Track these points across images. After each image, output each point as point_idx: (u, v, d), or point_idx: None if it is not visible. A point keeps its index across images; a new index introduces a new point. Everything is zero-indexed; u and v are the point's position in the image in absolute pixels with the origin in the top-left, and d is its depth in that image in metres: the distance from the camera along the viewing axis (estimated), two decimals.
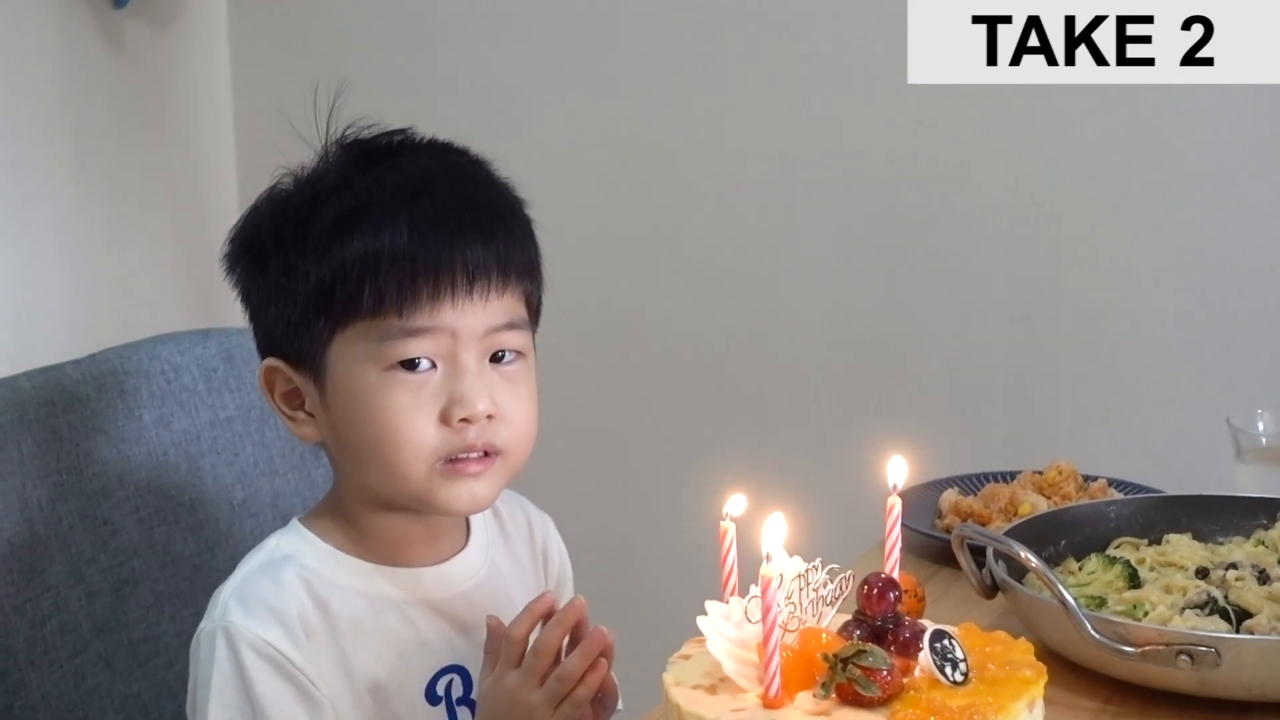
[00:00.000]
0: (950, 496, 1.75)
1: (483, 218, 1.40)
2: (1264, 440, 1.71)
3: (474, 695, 1.46)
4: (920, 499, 1.74)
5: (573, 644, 1.33)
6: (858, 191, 2.44)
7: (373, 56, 2.67)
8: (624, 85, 2.56)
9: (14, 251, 2.41)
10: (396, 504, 1.41)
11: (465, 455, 1.38)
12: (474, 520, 1.51)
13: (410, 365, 1.36)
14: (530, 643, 1.34)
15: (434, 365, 1.37)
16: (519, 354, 1.41)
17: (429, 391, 1.36)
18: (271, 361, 1.42)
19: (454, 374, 1.37)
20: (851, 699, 1.06)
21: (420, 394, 1.36)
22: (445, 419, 1.36)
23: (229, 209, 1.48)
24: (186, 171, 2.71)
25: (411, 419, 1.36)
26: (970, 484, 1.81)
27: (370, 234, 1.36)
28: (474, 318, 1.37)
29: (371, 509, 1.43)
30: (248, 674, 1.34)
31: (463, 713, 1.46)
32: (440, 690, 1.45)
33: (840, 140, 2.44)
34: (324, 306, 1.37)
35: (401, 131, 1.46)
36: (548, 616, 1.34)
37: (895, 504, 1.21)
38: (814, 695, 1.07)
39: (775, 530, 1.09)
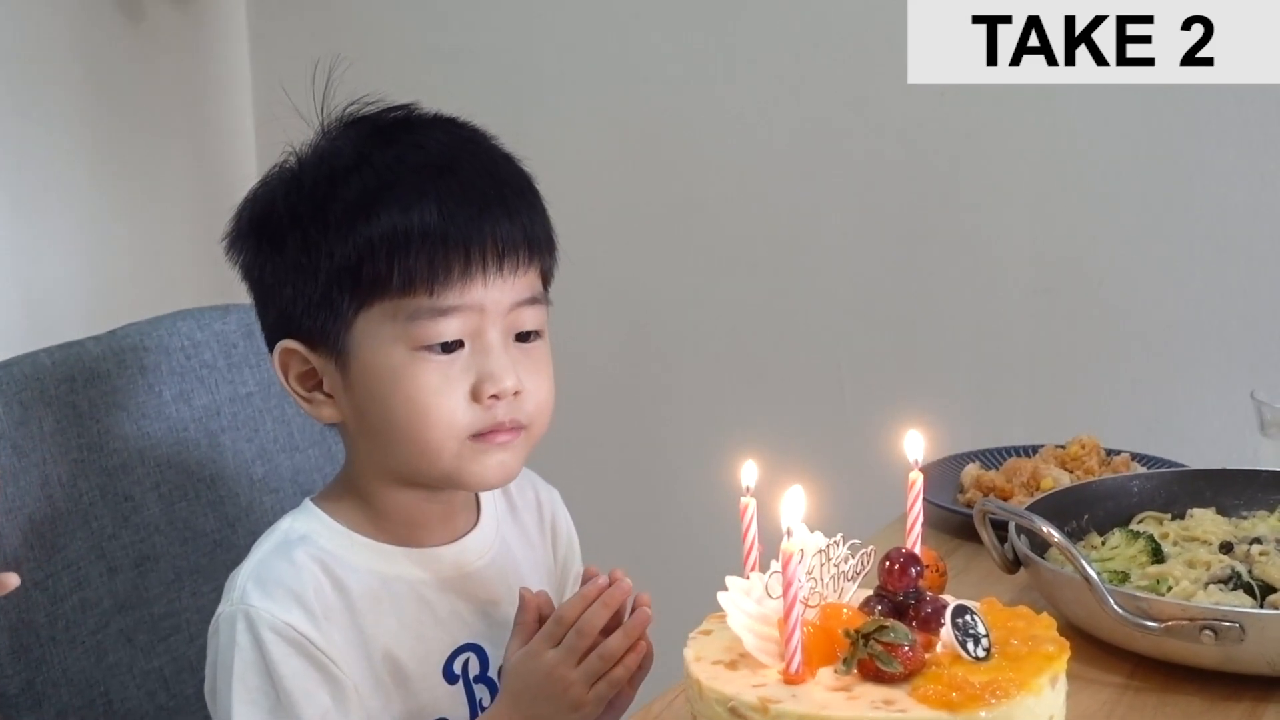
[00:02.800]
0: (972, 471, 1.75)
1: (507, 194, 1.40)
2: None
3: (490, 673, 1.46)
4: (942, 473, 1.73)
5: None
6: (879, 167, 2.43)
7: (392, 30, 2.67)
8: (634, 68, 2.55)
9: (34, 228, 2.41)
10: (420, 482, 1.41)
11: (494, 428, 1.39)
12: (484, 497, 1.51)
13: (440, 345, 1.36)
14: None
15: (461, 343, 1.37)
16: (538, 329, 1.42)
17: (458, 369, 1.37)
18: (288, 343, 1.41)
19: (481, 351, 1.37)
20: (873, 674, 1.05)
21: (449, 372, 1.36)
22: (475, 396, 1.37)
23: (248, 184, 1.47)
24: (205, 147, 2.71)
25: (442, 398, 1.36)
26: (992, 458, 1.80)
27: (398, 211, 1.35)
28: (501, 294, 1.37)
29: (387, 488, 1.43)
30: (269, 656, 1.34)
31: (480, 690, 1.46)
32: (457, 669, 1.45)
33: (864, 118, 2.43)
34: (348, 285, 1.36)
35: (404, 107, 1.45)
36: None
37: (917, 479, 1.21)
38: (835, 671, 1.07)
39: (794, 503, 1.09)
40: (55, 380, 1.58)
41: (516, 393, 1.38)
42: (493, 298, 1.37)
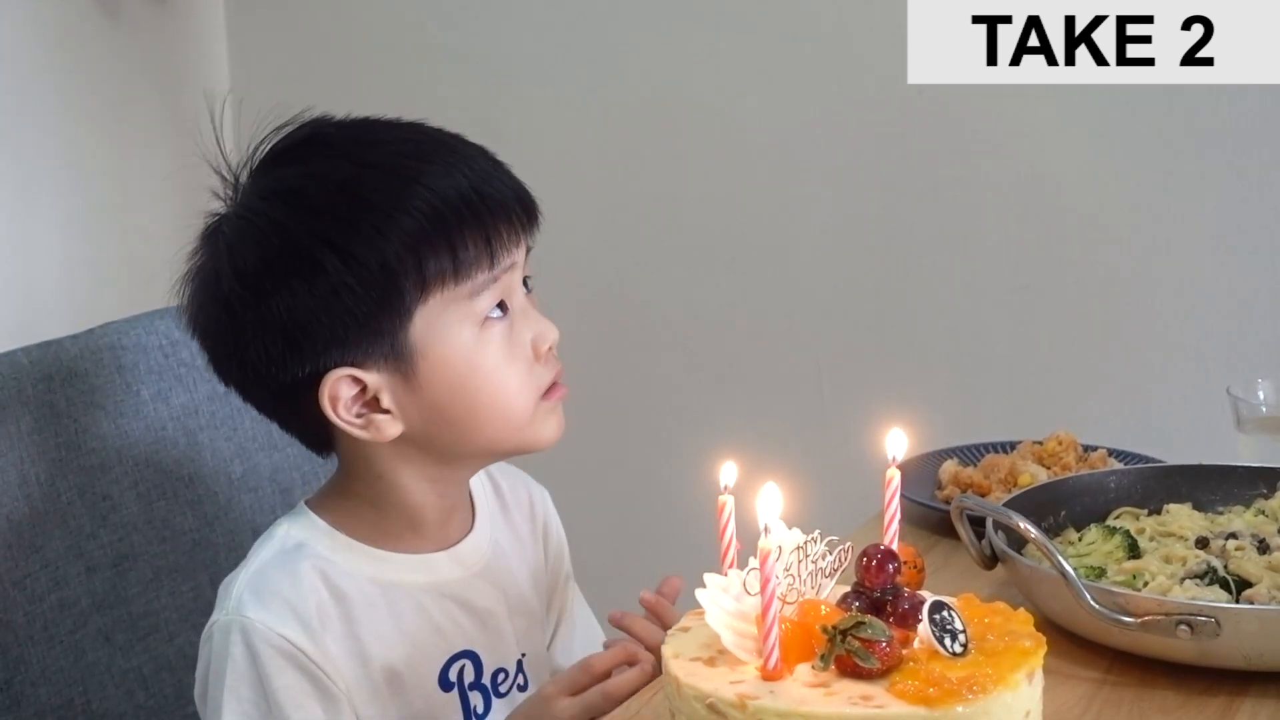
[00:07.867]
0: (950, 467, 1.75)
1: (495, 158, 1.43)
2: (1264, 409, 1.71)
3: (484, 680, 1.46)
4: (920, 470, 1.74)
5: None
6: (859, 167, 2.43)
7: (370, 26, 2.66)
8: (623, 65, 2.55)
9: (11, 226, 2.40)
10: (489, 458, 1.45)
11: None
12: (478, 498, 1.51)
13: (497, 310, 1.38)
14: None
15: (505, 306, 1.39)
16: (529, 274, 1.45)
17: (511, 335, 1.39)
18: (337, 373, 1.35)
19: (519, 310, 1.40)
20: (850, 671, 1.06)
21: (507, 339, 1.39)
22: (535, 354, 1.40)
23: None
24: (184, 144, 2.70)
25: (513, 364, 1.39)
26: (970, 454, 1.80)
27: (434, 194, 1.35)
28: (522, 249, 1.41)
29: (409, 485, 1.42)
30: (264, 669, 1.34)
31: (474, 697, 1.46)
32: (453, 676, 1.44)
33: (844, 120, 2.43)
34: (407, 281, 1.34)
35: (309, 123, 1.43)
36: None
37: (894, 476, 1.21)
38: (813, 667, 1.07)
39: (769, 500, 1.09)
40: (33, 379, 1.57)
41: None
42: (519, 254, 1.40)
